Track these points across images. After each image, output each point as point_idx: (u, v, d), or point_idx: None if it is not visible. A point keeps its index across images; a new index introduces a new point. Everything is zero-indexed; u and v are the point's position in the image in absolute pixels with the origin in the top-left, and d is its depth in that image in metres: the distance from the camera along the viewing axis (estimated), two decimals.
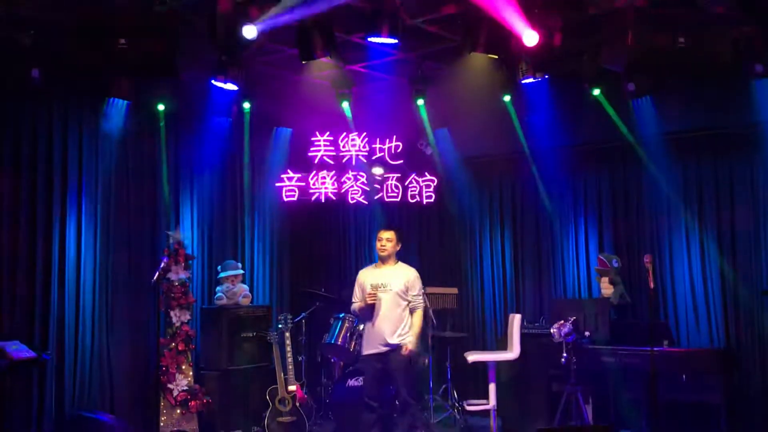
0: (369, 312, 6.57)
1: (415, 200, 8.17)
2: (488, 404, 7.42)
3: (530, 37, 5.80)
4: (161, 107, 7.35)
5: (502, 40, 6.04)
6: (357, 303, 6.72)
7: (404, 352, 6.42)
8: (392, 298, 6.51)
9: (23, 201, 6.53)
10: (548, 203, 8.37)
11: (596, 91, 7.30)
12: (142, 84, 7.08)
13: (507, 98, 7.71)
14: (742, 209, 7.14)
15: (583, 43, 6.65)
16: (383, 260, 6.73)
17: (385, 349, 6.51)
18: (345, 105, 8.13)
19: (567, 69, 6.95)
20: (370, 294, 6.49)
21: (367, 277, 6.71)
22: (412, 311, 6.58)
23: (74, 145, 6.88)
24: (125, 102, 7.07)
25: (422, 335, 8.08)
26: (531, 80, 6.89)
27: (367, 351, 6.64)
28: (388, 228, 6.76)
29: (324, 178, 7.99)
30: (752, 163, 7.11)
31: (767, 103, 6.68)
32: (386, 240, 6.65)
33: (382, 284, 6.55)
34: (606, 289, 7.43)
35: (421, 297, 6.68)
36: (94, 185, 7.00)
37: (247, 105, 7.84)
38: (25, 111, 6.59)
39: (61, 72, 6.46)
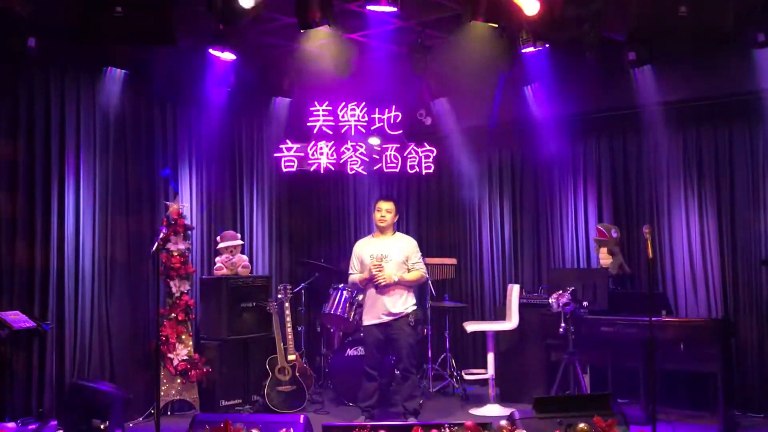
0: (370, 283, 6.60)
1: (414, 171, 8.16)
2: (486, 373, 7.48)
3: (531, 6, 5.76)
4: (159, 76, 7.29)
5: (502, 8, 6.00)
6: (357, 275, 6.75)
7: (387, 281, 6.47)
8: (393, 268, 6.56)
9: (21, 171, 6.50)
10: (547, 173, 8.37)
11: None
12: (139, 53, 7.04)
13: (506, 71, 7.67)
14: (741, 179, 7.12)
15: (584, 11, 6.60)
16: (382, 231, 6.76)
17: (387, 318, 6.57)
18: (344, 74, 8.07)
19: (568, 38, 6.91)
20: (375, 265, 6.51)
21: (366, 248, 6.74)
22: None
23: (72, 115, 6.84)
24: (122, 71, 7.03)
25: (422, 306, 8.16)
26: (531, 49, 6.86)
27: (368, 321, 6.68)
28: (387, 199, 6.78)
29: (323, 148, 7.96)
30: (752, 132, 7.08)
31: None
32: (386, 211, 6.68)
33: (382, 255, 6.59)
34: (605, 259, 7.45)
35: (421, 263, 6.76)
36: (92, 155, 6.97)
37: (244, 74, 7.78)
38: (22, 80, 6.54)
39: (58, 41, 6.41)
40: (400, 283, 6.58)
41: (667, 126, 7.41)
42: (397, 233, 6.86)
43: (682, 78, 7.25)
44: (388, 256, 6.60)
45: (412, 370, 6.62)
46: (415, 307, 6.71)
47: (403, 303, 6.61)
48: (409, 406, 6.62)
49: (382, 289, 6.56)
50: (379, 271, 6.49)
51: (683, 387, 6.87)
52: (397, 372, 6.95)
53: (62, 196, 6.72)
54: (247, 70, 7.73)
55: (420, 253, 6.81)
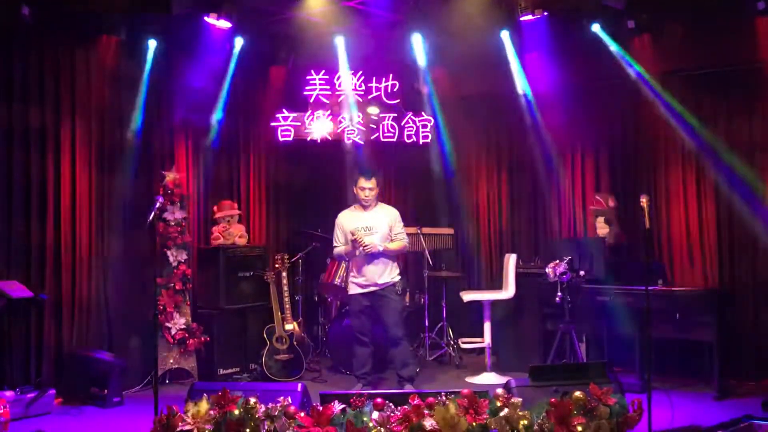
0: (355, 254, 6.61)
1: (411, 140, 8.13)
2: (483, 342, 7.51)
3: None
4: (154, 45, 7.22)
5: None
6: (341, 247, 6.74)
7: (373, 249, 6.50)
8: (378, 239, 6.57)
9: (16, 140, 6.46)
10: (545, 142, 8.34)
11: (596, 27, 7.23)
12: (134, 21, 6.97)
13: (505, 35, 7.62)
14: (739, 148, 7.10)
15: None
16: (365, 207, 6.75)
17: (374, 289, 6.61)
18: (340, 43, 8.01)
19: (566, 5, 6.86)
20: (353, 240, 6.52)
21: (350, 220, 6.73)
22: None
23: (67, 83, 6.77)
24: (117, 39, 6.96)
25: (419, 275, 8.19)
26: (530, 17, 6.80)
27: (354, 291, 6.70)
28: (369, 177, 6.71)
29: (319, 117, 7.93)
30: (751, 102, 7.04)
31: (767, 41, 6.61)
32: (369, 190, 6.66)
33: (366, 227, 6.60)
34: (602, 228, 7.45)
35: (403, 233, 6.78)
36: (87, 124, 6.93)
37: (240, 42, 7.72)
38: (15, 48, 6.46)
39: (52, 9, 6.35)
40: (385, 254, 6.59)
41: (666, 95, 7.36)
42: (379, 204, 6.84)
43: (681, 47, 7.19)
44: (373, 228, 6.61)
45: (402, 337, 6.67)
46: (399, 277, 6.74)
47: (389, 273, 6.64)
48: (404, 374, 6.67)
49: (369, 260, 6.58)
50: (361, 241, 6.51)
51: (679, 356, 6.91)
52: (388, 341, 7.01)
53: (58, 165, 6.69)
54: (242, 38, 7.67)
55: (402, 223, 6.81)
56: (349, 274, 7.31)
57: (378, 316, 6.70)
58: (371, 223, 6.64)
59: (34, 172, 6.55)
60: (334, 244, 6.83)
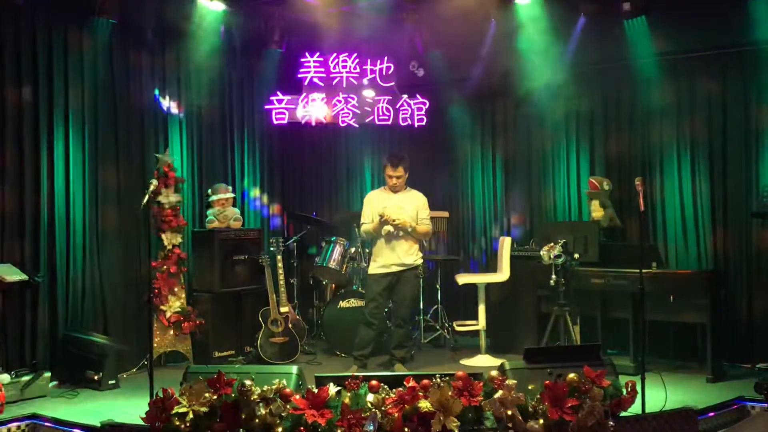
0: (382, 232, 6.67)
1: (406, 123, 8.10)
2: (478, 325, 7.53)
3: None
4: (147, 27, 7.17)
5: None
6: (369, 224, 6.79)
7: (403, 225, 6.62)
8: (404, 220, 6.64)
9: (9, 122, 6.42)
10: (540, 125, 8.32)
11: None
12: (127, 2, 6.92)
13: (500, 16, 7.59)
14: (733, 131, 7.10)
15: None
16: (395, 191, 6.85)
17: (397, 269, 6.70)
18: (335, 25, 7.96)
19: None
20: (385, 215, 6.60)
21: (379, 199, 6.85)
22: None
23: (60, 65, 6.73)
24: (110, 21, 6.92)
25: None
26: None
27: (376, 270, 6.77)
28: (396, 165, 6.80)
29: (314, 100, 7.90)
30: (745, 85, 7.03)
31: (762, 23, 6.59)
32: (396, 178, 6.79)
33: (396, 208, 6.72)
34: (596, 211, 7.45)
35: (428, 219, 6.90)
36: (80, 107, 6.88)
37: (234, 24, 7.67)
38: (7, 30, 6.41)
39: None
40: (410, 234, 6.70)
41: (661, 78, 7.36)
42: (408, 189, 6.94)
43: (676, 29, 7.18)
44: (400, 209, 6.73)
45: (408, 320, 6.77)
46: (422, 260, 6.90)
47: (413, 255, 6.78)
48: (397, 354, 6.75)
49: (393, 240, 6.63)
50: (391, 218, 6.59)
51: (672, 338, 6.94)
52: (389, 324, 7.02)
53: (51, 148, 6.65)
54: (237, 19, 7.62)
55: (429, 210, 6.92)
56: (346, 255, 7.37)
57: (393, 296, 6.77)
58: (399, 205, 6.76)
59: (27, 153, 6.51)
60: (363, 221, 6.92)
